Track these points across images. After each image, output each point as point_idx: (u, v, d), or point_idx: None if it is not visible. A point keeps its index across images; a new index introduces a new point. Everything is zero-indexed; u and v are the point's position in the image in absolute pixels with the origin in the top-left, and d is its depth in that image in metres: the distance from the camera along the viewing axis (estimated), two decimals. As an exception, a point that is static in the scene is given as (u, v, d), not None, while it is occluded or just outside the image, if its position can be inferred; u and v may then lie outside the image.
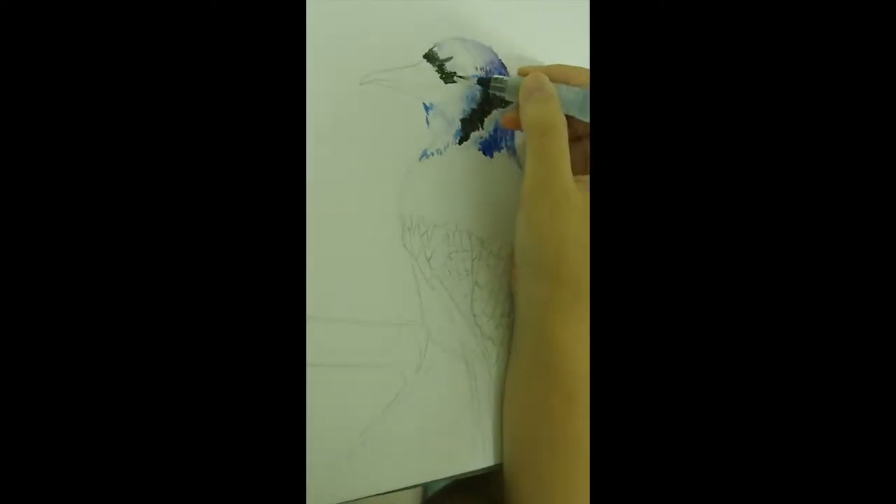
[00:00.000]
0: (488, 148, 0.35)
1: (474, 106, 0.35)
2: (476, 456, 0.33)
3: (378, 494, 0.30)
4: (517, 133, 0.36)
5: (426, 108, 0.33)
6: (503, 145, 0.36)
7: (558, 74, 0.33)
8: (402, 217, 0.32)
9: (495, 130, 0.35)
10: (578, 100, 0.32)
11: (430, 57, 0.34)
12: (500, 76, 0.35)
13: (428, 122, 0.33)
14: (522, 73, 0.34)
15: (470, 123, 0.35)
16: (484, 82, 0.34)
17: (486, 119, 0.35)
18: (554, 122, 0.31)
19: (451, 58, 0.34)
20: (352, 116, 0.32)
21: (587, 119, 0.32)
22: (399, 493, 0.31)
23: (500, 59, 0.36)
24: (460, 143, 0.34)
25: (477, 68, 0.35)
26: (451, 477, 0.33)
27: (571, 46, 0.39)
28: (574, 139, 0.33)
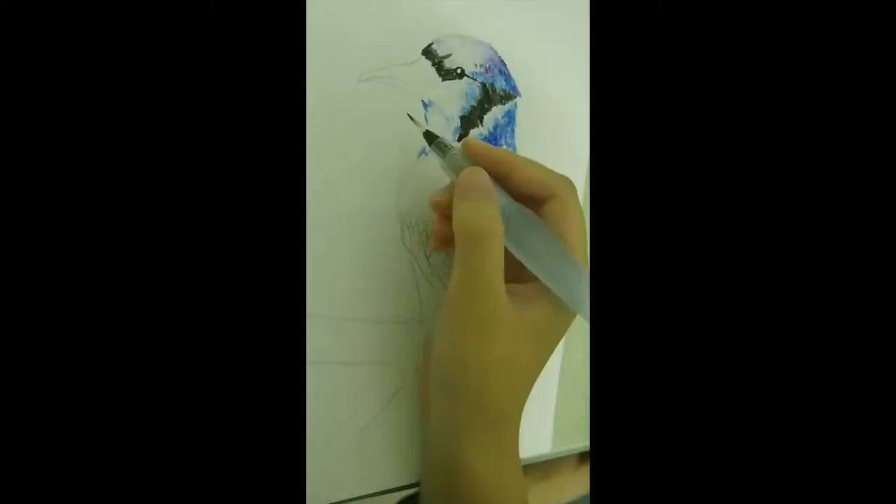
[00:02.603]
0: (488, 145, 0.35)
1: (473, 103, 0.35)
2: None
3: (377, 493, 0.30)
4: (517, 133, 0.36)
5: (425, 106, 0.33)
6: (503, 142, 0.36)
7: (503, 167, 0.29)
8: (401, 215, 0.32)
9: (495, 128, 0.35)
10: (527, 239, 0.28)
11: (428, 54, 0.33)
12: (448, 144, 0.31)
13: (427, 120, 0.33)
14: (469, 149, 0.30)
15: (469, 121, 0.34)
16: (431, 137, 0.31)
17: (485, 116, 0.35)
18: (488, 230, 0.26)
19: (450, 55, 0.34)
20: (350, 114, 0.31)
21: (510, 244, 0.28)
22: (397, 491, 0.31)
23: (499, 57, 0.35)
24: (460, 140, 0.34)
25: (476, 65, 0.34)
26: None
27: (571, 42, 0.39)
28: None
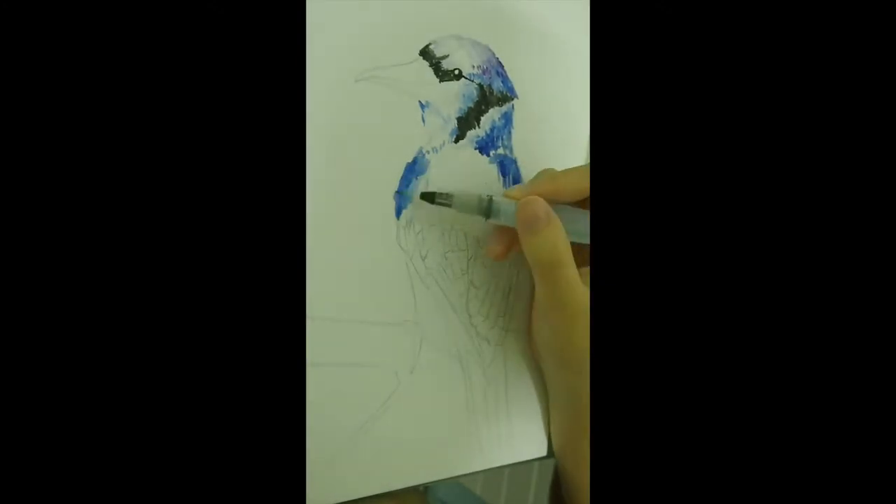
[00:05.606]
0: (485, 147, 0.35)
1: (471, 104, 0.34)
2: (472, 458, 0.33)
3: (373, 496, 0.30)
4: (513, 136, 0.36)
5: (422, 106, 0.33)
6: (500, 144, 0.36)
7: (549, 188, 0.32)
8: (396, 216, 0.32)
9: (492, 130, 0.35)
10: (581, 228, 0.31)
11: (426, 54, 0.33)
12: (445, 192, 0.32)
13: (423, 121, 0.33)
14: (516, 196, 0.32)
15: (466, 122, 0.34)
16: (428, 197, 0.32)
17: (482, 118, 0.35)
18: (563, 259, 0.30)
19: (447, 55, 0.34)
20: (346, 114, 0.31)
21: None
22: (395, 494, 0.31)
23: (497, 58, 0.35)
24: (456, 141, 0.34)
25: (474, 66, 0.34)
26: (447, 479, 0.32)
27: (569, 44, 0.39)
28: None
